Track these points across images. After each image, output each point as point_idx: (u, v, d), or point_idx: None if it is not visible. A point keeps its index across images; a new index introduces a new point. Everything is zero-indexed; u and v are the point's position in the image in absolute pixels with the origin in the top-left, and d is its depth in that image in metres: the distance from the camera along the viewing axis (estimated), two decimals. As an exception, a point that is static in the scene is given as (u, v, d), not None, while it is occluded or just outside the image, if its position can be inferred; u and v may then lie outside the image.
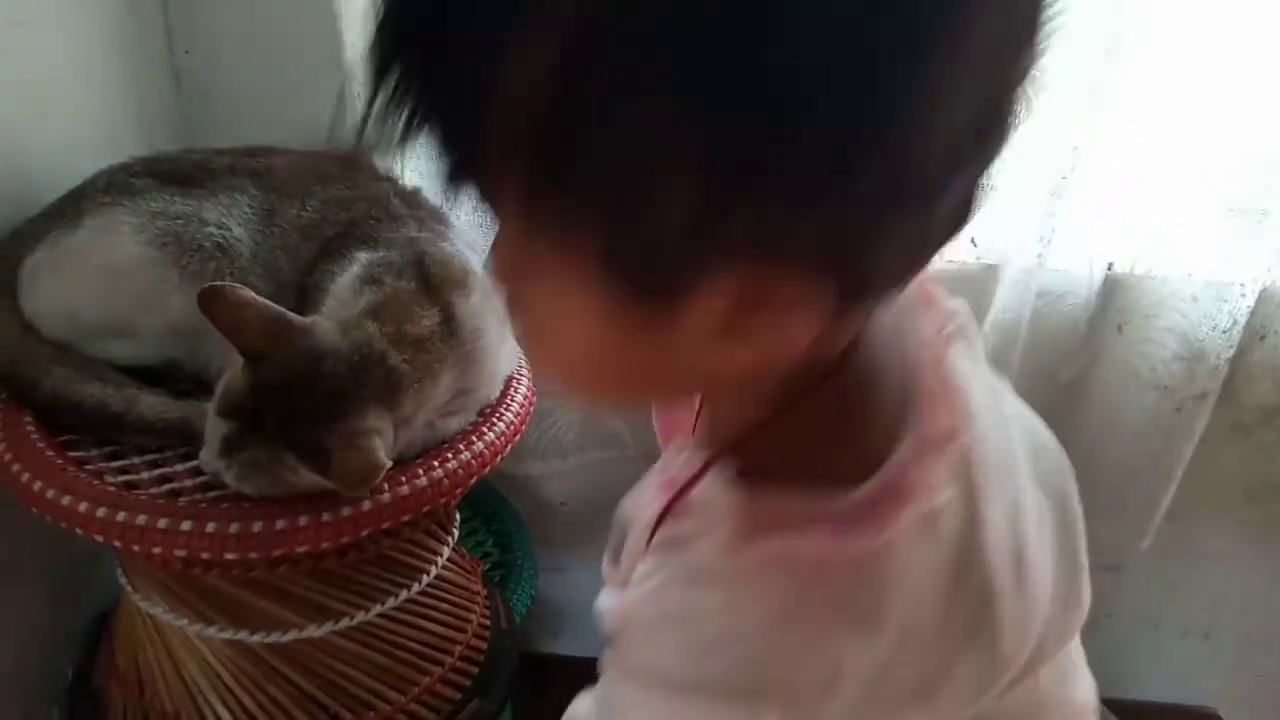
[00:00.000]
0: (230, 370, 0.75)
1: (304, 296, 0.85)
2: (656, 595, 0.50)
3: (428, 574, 0.92)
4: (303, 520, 0.73)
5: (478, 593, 1.06)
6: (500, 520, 1.35)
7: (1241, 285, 1.12)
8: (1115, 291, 1.19)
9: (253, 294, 0.73)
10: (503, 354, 0.88)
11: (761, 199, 0.38)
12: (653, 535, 0.53)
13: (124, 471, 0.78)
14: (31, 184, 0.90)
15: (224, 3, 1.11)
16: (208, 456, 0.75)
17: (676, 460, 0.53)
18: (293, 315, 0.74)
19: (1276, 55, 1.04)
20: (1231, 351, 1.16)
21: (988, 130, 0.41)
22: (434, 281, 0.83)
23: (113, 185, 0.87)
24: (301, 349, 0.73)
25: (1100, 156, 1.09)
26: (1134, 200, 1.13)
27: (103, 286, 0.82)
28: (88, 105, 1.00)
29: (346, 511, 0.74)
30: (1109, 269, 1.18)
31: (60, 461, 0.76)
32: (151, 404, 0.81)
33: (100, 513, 0.71)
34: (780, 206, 0.38)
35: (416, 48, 0.38)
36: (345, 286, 0.82)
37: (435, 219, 0.94)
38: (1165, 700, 1.54)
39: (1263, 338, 1.20)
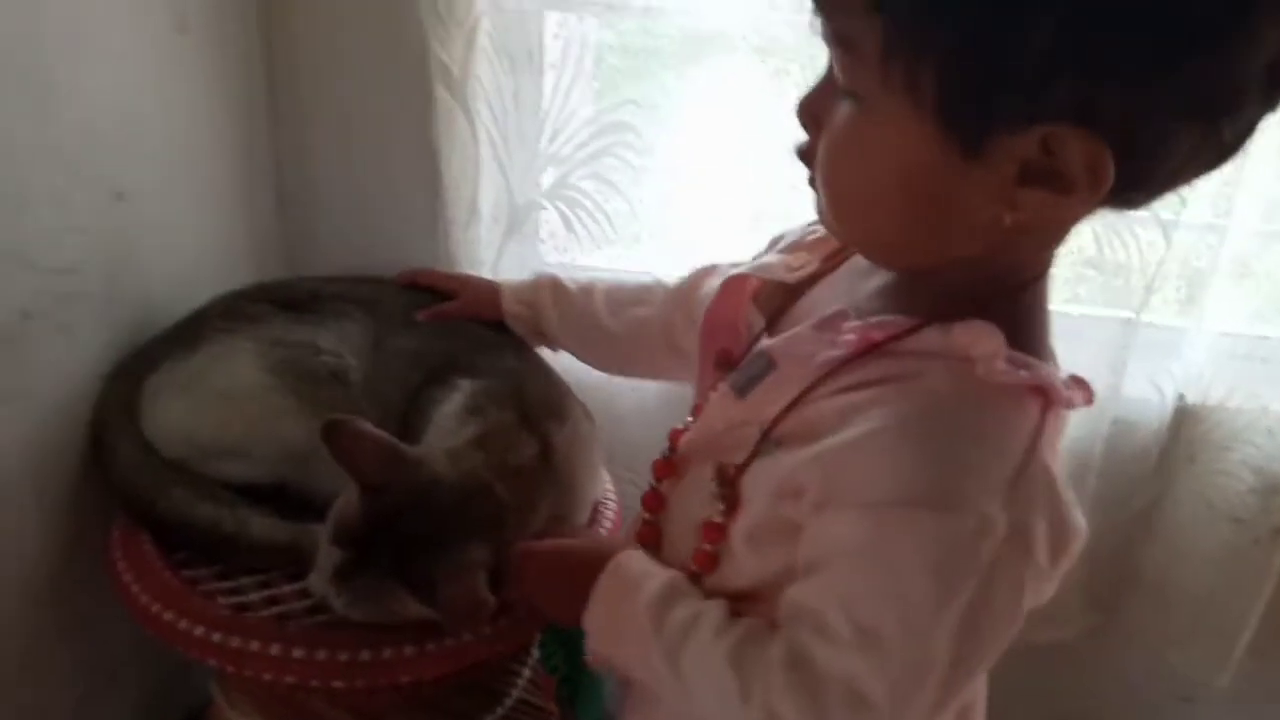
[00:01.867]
0: (344, 497, 0.78)
1: (407, 422, 0.88)
2: (887, 423, 0.58)
3: (510, 697, 0.94)
4: (408, 650, 0.75)
5: (551, 713, 1.07)
6: (571, 635, 1.35)
7: (1320, 421, 1.13)
8: (1187, 422, 1.20)
9: (370, 426, 0.76)
10: (592, 481, 0.90)
11: (1096, 71, 0.49)
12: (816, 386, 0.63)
13: (234, 593, 0.81)
14: (152, 307, 0.95)
15: (329, 135, 1.17)
16: (318, 582, 0.77)
17: (839, 327, 0.64)
18: (406, 447, 0.78)
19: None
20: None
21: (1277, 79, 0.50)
22: (532, 412, 0.86)
23: (230, 312, 0.92)
24: (413, 480, 0.76)
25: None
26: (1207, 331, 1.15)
27: (220, 411, 0.86)
28: (202, 230, 1.05)
29: (450, 642, 0.76)
30: (1180, 400, 1.19)
31: (176, 582, 0.79)
32: (262, 526, 0.84)
33: (215, 638, 0.74)
34: (1107, 82, 0.49)
35: None
36: (449, 414, 0.86)
37: (526, 347, 0.97)
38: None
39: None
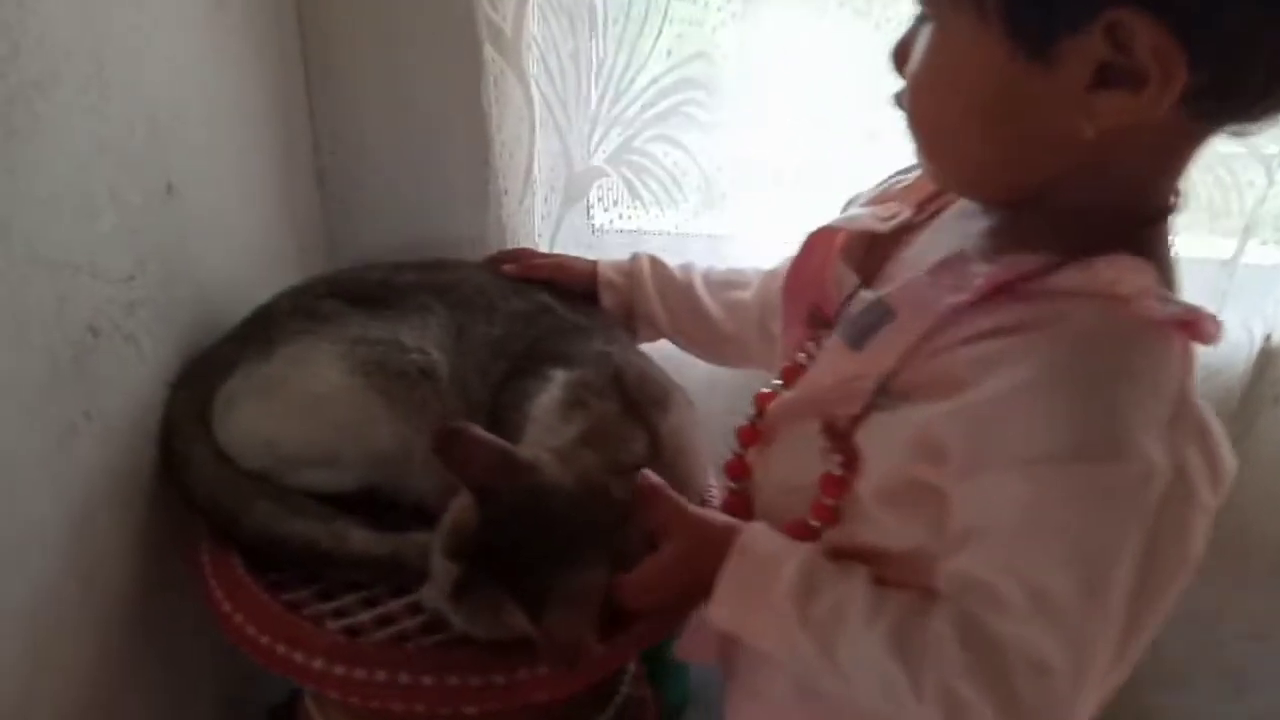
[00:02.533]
0: (456, 508, 0.73)
1: (496, 416, 0.83)
2: (1036, 373, 0.55)
3: (620, 694, 0.90)
4: (542, 670, 0.71)
5: (646, 699, 1.04)
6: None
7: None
8: (1273, 363, 1.17)
9: (482, 431, 0.71)
10: (701, 471, 0.85)
11: None
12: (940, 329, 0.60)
13: (341, 614, 0.76)
14: (209, 306, 0.90)
15: (369, 103, 1.09)
16: (434, 596, 0.73)
17: (961, 270, 0.61)
18: (519, 451, 0.73)
19: None
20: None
21: None
22: (636, 401, 0.81)
23: (302, 310, 0.86)
24: (528, 487, 0.72)
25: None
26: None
27: (305, 417, 0.81)
28: (245, 216, 0.99)
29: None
30: (1266, 340, 1.16)
31: (279, 609, 0.74)
32: (361, 539, 0.79)
33: (338, 670, 0.69)
34: None
35: None
36: (548, 409, 0.81)
37: (612, 325, 0.92)
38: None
39: None
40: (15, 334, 0.66)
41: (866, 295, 0.71)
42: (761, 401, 0.78)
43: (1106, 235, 0.59)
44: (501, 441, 0.72)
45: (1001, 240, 0.63)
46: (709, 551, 0.68)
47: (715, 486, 0.91)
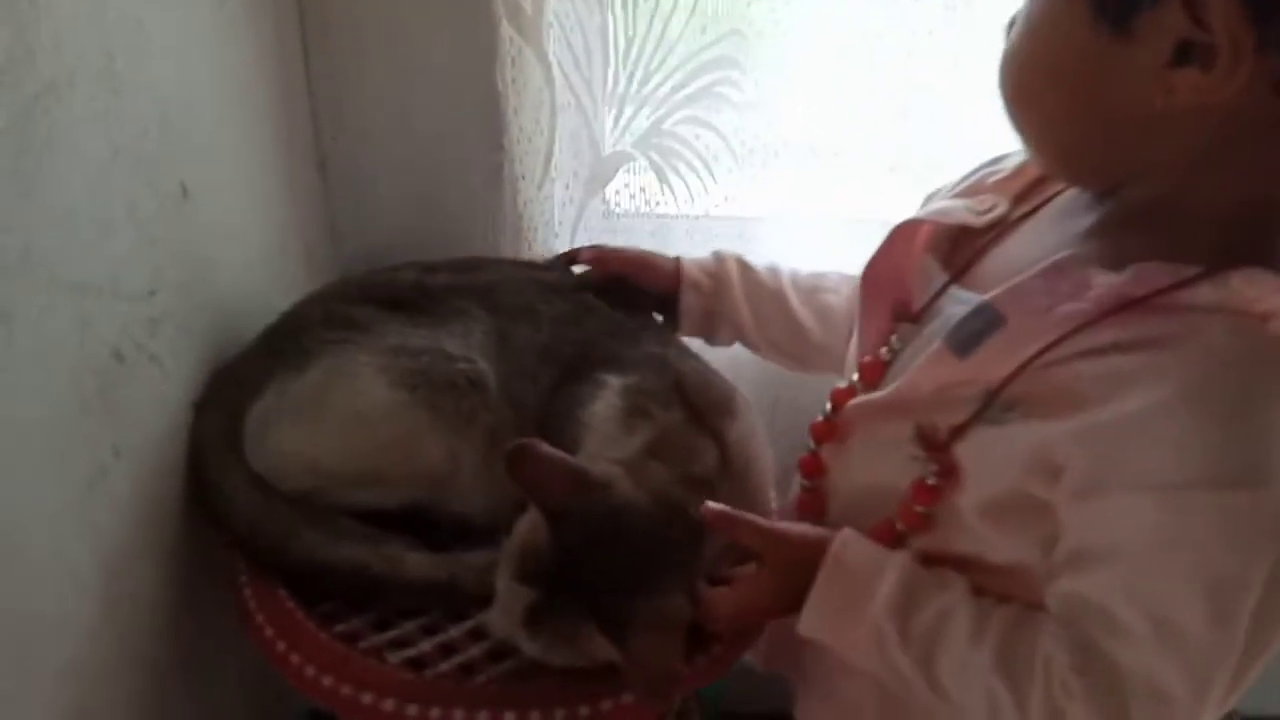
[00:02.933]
0: (525, 529, 0.69)
1: (547, 425, 0.79)
2: (1170, 395, 0.53)
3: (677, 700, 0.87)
4: (627, 698, 0.68)
5: (691, 703, 1.02)
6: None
7: None
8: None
9: (551, 448, 0.67)
10: (769, 480, 0.82)
11: None
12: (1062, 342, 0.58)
13: (400, 644, 0.71)
14: (227, 318, 0.83)
15: (373, 84, 1.02)
16: (504, 623, 0.69)
17: (1076, 275, 0.59)
18: (590, 467, 0.69)
19: None
20: None
21: None
22: (700, 409, 0.77)
23: (333, 319, 0.80)
24: (602, 505, 0.68)
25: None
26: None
27: (350, 435, 0.75)
28: (254, 217, 0.92)
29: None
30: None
31: (336, 645, 0.69)
32: (416, 563, 0.74)
33: (411, 711, 0.65)
34: None
35: None
36: (607, 418, 0.76)
37: (660, 327, 0.88)
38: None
39: None
40: (41, 372, 0.59)
41: (964, 295, 0.68)
42: (838, 398, 0.75)
43: (1234, 246, 0.56)
44: (573, 459, 0.68)
45: (1118, 244, 0.60)
46: (803, 567, 0.66)
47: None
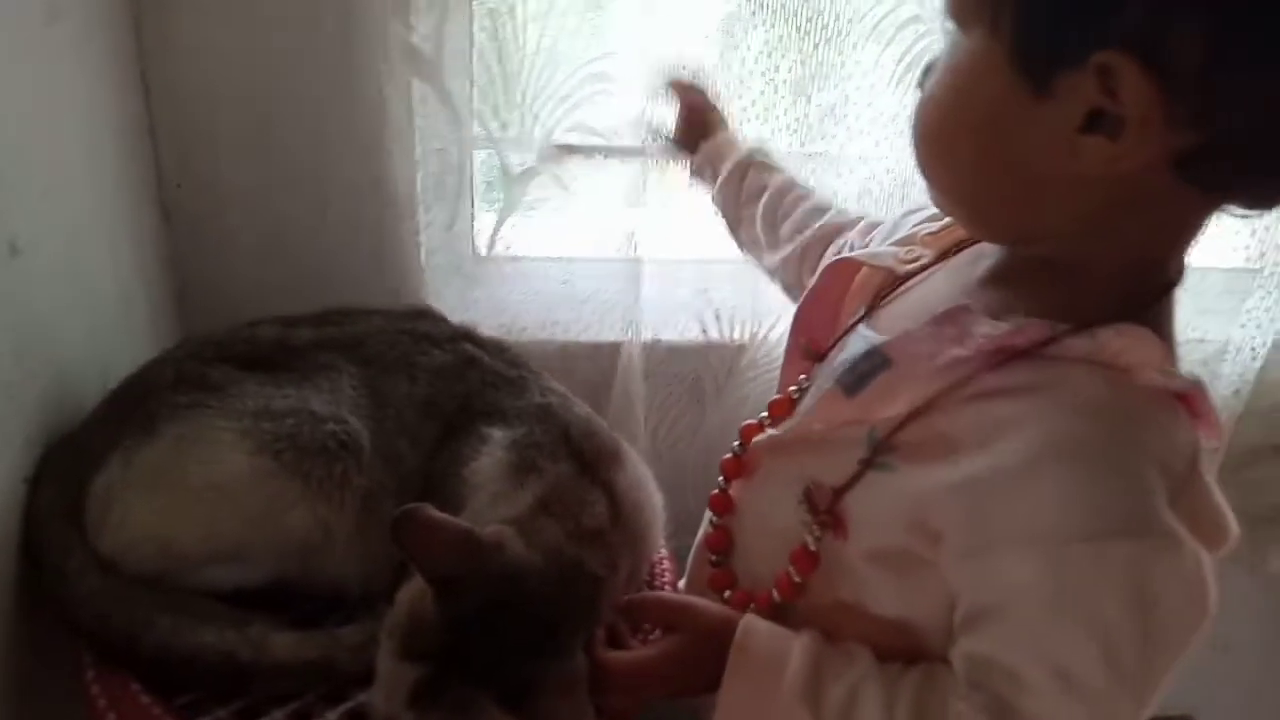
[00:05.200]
0: (408, 600, 0.64)
1: (430, 484, 0.75)
2: (1043, 448, 0.55)
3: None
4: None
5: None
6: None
7: (1253, 349, 1.20)
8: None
9: (438, 513, 0.63)
10: (659, 525, 0.80)
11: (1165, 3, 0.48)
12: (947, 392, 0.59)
13: (275, 734, 0.66)
14: (66, 383, 0.76)
15: (222, 124, 0.96)
16: (388, 704, 0.64)
17: (962, 323, 0.60)
18: (479, 530, 0.65)
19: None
20: (1241, 408, 1.23)
21: None
22: (589, 459, 0.75)
23: (186, 380, 0.73)
24: (494, 569, 0.64)
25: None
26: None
27: (208, 509, 0.69)
28: (94, 272, 0.84)
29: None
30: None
31: (202, 739, 0.63)
32: (285, 643, 0.69)
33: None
34: (1178, 16, 0.48)
35: None
36: (494, 475, 0.73)
37: (540, 374, 0.85)
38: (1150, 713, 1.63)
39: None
40: None
41: (868, 334, 0.69)
42: (746, 434, 0.75)
43: (1115, 304, 0.58)
44: (462, 522, 0.64)
45: (1008, 296, 0.62)
46: (708, 646, 0.65)
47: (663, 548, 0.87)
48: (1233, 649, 1.58)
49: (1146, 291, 0.60)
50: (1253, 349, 1.22)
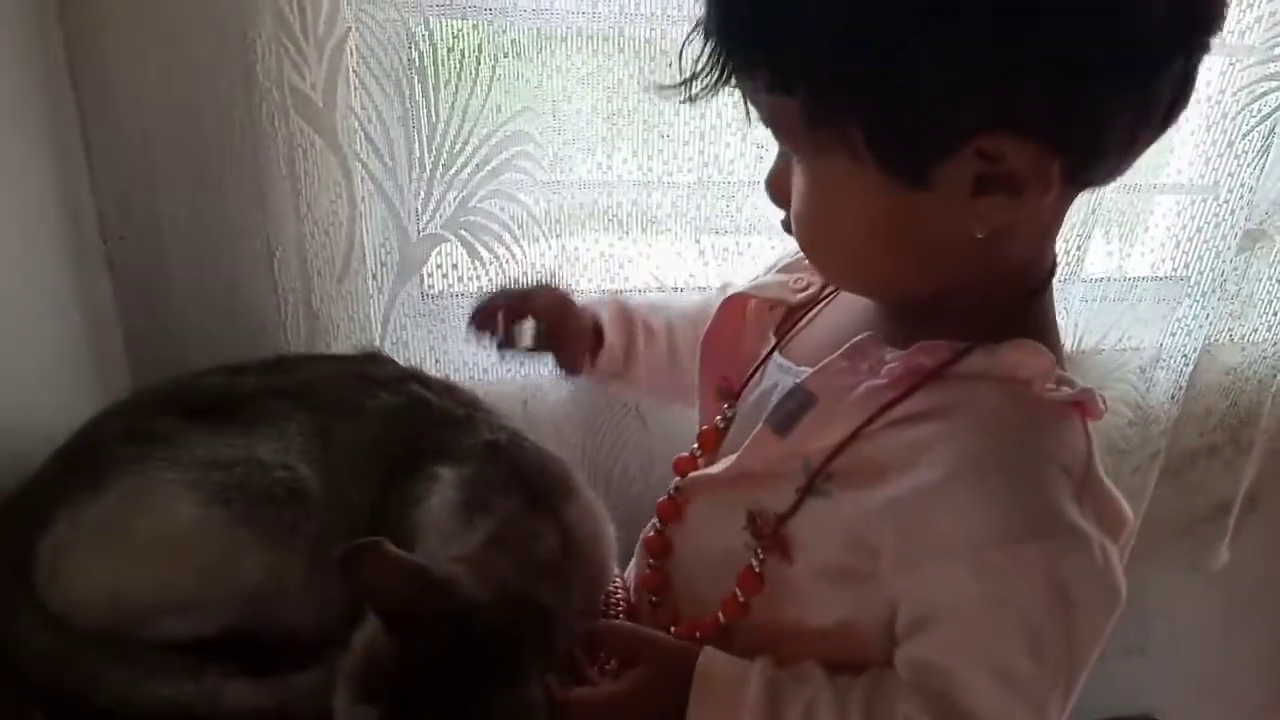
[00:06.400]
0: (363, 642, 0.65)
1: (383, 526, 0.75)
2: (960, 465, 0.59)
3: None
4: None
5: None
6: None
7: (1184, 355, 1.24)
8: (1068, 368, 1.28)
9: (391, 547, 0.63)
10: (611, 558, 0.81)
11: (999, 76, 0.51)
12: (870, 421, 0.63)
13: (231, 784, 0.65)
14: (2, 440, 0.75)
15: (160, 179, 0.96)
16: (345, 749, 0.64)
17: (874, 354, 0.65)
18: (431, 566, 0.66)
19: None
20: (1177, 412, 1.27)
21: (1198, 14, 0.53)
22: (540, 494, 0.76)
23: (132, 433, 0.73)
24: (448, 607, 0.65)
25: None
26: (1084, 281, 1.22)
27: (159, 562, 0.69)
28: (18, 316, 0.83)
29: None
30: (1061, 348, 1.27)
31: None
32: (239, 692, 0.68)
33: None
34: (1014, 82, 0.51)
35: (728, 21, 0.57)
36: (444, 514, 0.74)
37: (490, 411, 0.86)
38: (1111, 715, 1.66)
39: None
40: None
41: (784, 363, 0.72)
42: (681, 466, 0.78)
43: (1003, 312, 0.63)
44: (415, 558, 0.65)
45: (906, 321, 0.66)
46: (667, 676, 0.68)
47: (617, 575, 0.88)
48: (1186, 649, 1.63)
49: (1029, 292, 0.65)
50: (1184, 355, 1.26)
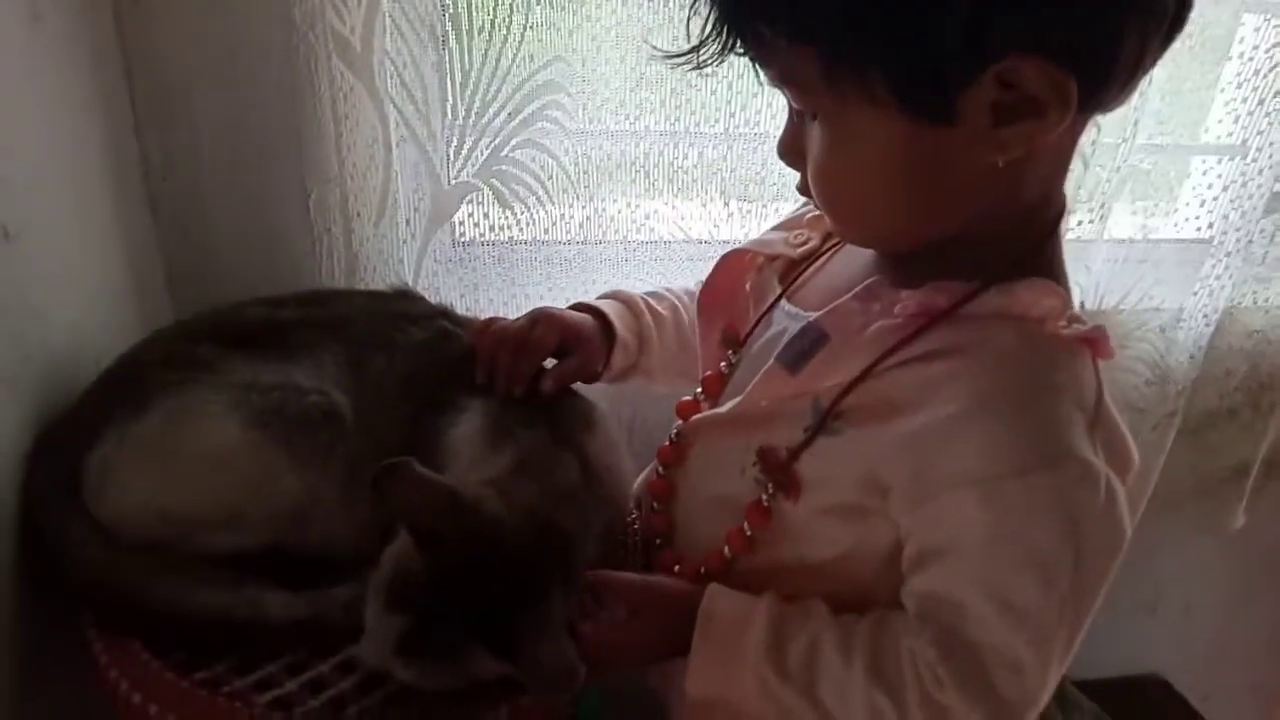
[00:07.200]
0: (394, 556, 0.69)
1: (411, 453, 0.78)
2: (973, 400, 0.60)
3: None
4: (503, 711, 0.68)
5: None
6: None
7: (1205, 316, 1.25)
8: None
9: (425, 469, 0.67)
10: (629, 489, 0.84)
11: (1017, 7, 0.52)
12: (882, 359, 0.64)
13: (266, 685, 0.69)
14: (59, 365, 0.79)
15: (202, 122, 0.99)
16: (377, 654, 0.68)
17: (886, 295, 0.66)
18: (460, 488, 0.69)
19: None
20: (1196, 373, 1.28)
21: None
22: (562, 425, 0.79)
23: (176, 358, 0.77)
24: (475, 526, 0.68)
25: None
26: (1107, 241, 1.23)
27: (203, 478, 0.73)
28: (85, 260, 0.87)
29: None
30: (1081, 307, 1.28)
31: (195, 691, 0.67)
32: (278, 603, 0.72)
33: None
34: (1030, 6, 0.52)
35: None
36: (470, 441, 0.77)
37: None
38: (1119, 674, 1.67)
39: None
40: None
41: (791, 309, 0.73)
42: (684, 410, 0.79)
43: (1016, 254, 0.64)
44: (445, 479, 0.68)
45: (917, 269, 0.67)
46: (674, 616, 0.70)
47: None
48: (1197, 610, 1.65)
49: (1039, 233, 0.66)
50: (1205, 316, 1.26)
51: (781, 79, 0.61)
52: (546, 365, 0.84)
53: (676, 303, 0.96)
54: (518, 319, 0.86)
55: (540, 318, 0.86)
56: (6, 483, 0.72)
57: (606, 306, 0.91)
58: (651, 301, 0.95)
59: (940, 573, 0.63)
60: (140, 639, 0.70)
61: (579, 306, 0.91)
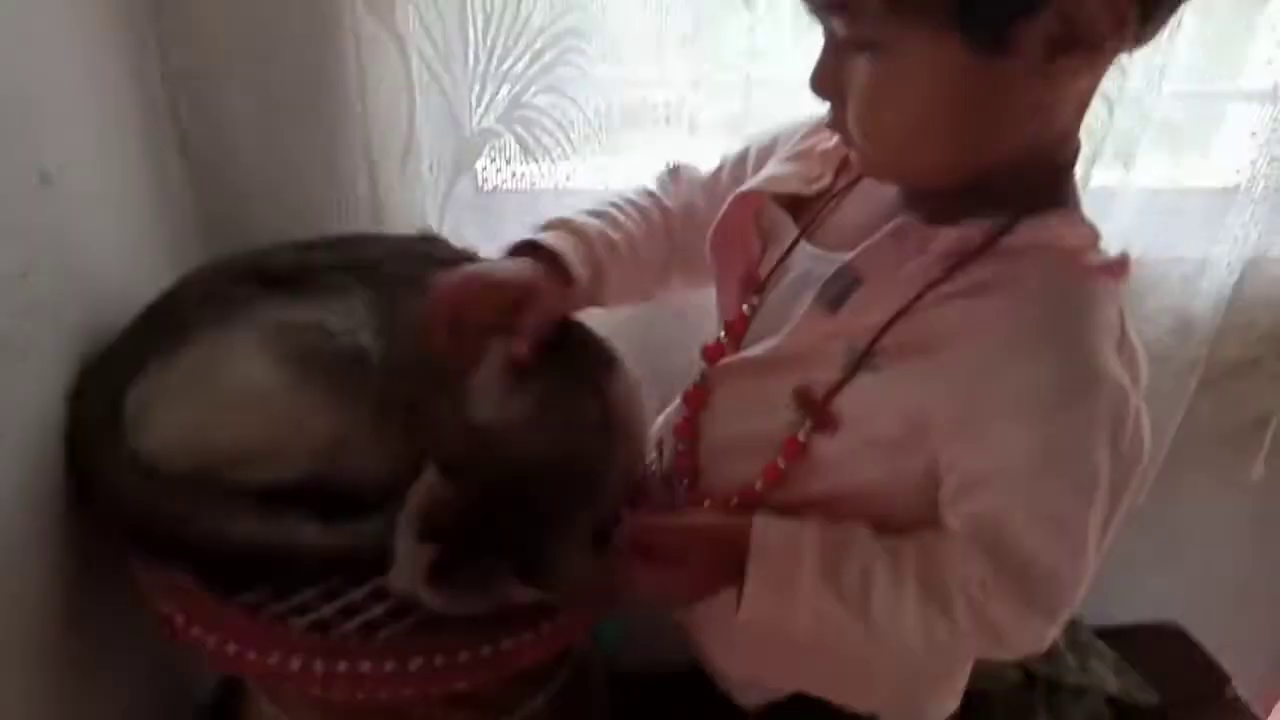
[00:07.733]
0: (424, 489, 0.71)
1: (439, 392, 0.81)
2: (1016, 331, 0.63)
3: (574, 651, 0.91)
4: (527, 636, 0.71)
5: (590, 651, 1.05)
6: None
7: (1229, 265, 1.24)
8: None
9: (453, 407, 0.69)
10: (649, 431, 0.86)
11: None
12: (920, 296, 0.66)
13: (303, 610, 0.72)
14: (100, 305, 0.81)
15: (227, 64, 1.00)
16: (407, 581, 0.71)
17: (917, 238, 0.67)
18: (485, 421, 0.71)
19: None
20: (1219, 322, 1.28)
21: None
22: (584, 365, 0.81)
23: (212, 297, 0.80)
24: (502, 457, 0.71)
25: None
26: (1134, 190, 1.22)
27: (238, 413, 0.75)
28: (121, 203, 0.90)
29: (562, 619, 0.73)
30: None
31: (237, 613, 0.70)
32: (315, 534, 0.75)
33: (318, 667, 0.67)
34: None
35: None
36: (498, 380, 0.79)
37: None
38: (1138, 621, 1.68)
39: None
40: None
41: (813, 250, 0.74)
42: (709, 353, 0.80)
43: (1040, 189, 0.66)
44: (472, 416, 0.70)
45: (941, 207, 0.68)
46: (721, 557, 0.72)
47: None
48: (1215, 560, 1.65)
49: (1060, 168, 0.67)
50: (1228, 265, 1.26)
51: (834, 6, 0.61)
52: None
53: (630, 223, 0.90)
54: (439, 299, 0.79)
55: (465, 299, 0.79)
56: (51, 417, 0.75)
57: (554, 240, 0.84)
58: (604, 228, 0.88)
59: (989, 495, 0.66)
60: (183, 566, 0.73)
61: (520, 248, 0.85)
